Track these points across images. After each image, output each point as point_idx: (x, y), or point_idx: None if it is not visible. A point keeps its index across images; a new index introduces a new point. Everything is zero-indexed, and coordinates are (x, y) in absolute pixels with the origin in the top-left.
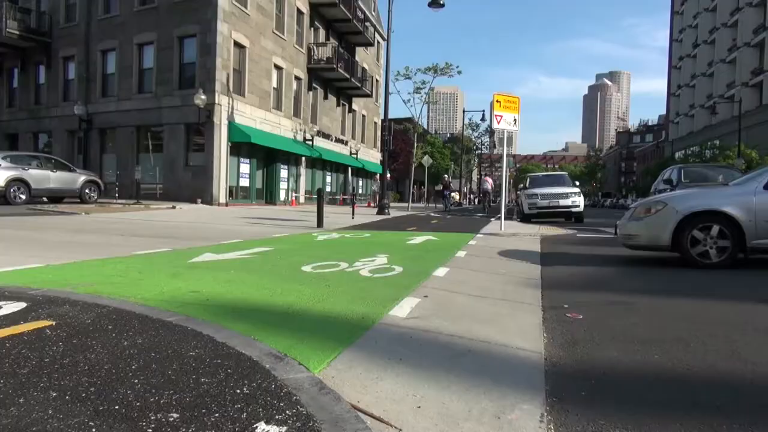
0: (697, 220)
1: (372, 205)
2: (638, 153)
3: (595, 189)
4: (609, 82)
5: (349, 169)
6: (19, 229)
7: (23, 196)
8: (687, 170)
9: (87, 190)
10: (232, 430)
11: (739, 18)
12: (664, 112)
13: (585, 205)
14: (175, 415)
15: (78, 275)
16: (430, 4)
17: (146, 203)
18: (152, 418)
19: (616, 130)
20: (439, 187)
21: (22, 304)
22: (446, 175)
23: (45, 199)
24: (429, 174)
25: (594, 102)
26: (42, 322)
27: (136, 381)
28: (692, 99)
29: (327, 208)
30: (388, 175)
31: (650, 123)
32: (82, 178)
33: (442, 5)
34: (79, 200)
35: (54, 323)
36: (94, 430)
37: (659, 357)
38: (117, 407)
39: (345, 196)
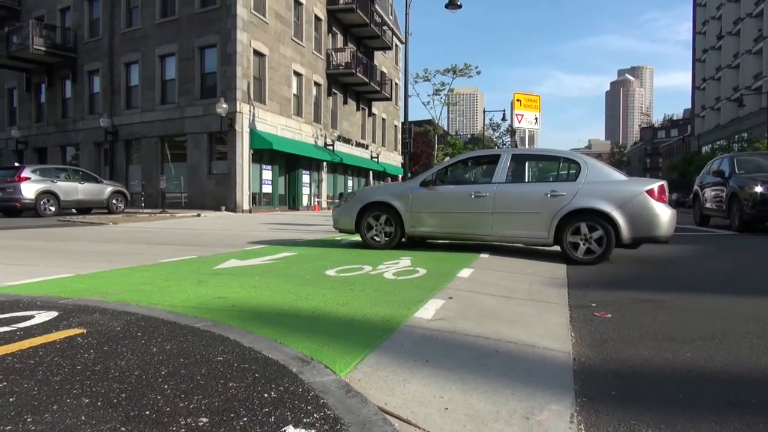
0: (372, 209)
1: None
2: (663, 148)
3: None
4: (631, 78)
5: (371, 172)
6: (49, 241)
7: (53, 208)
8: (741, 159)
9: (114, 201)
10: None
11: (765, 7)
12: (688, 106)
13: None
14: (205, 420)
15: (107, 284)
16: (447, 6)
17: (171, 212)
18: (182, 422)
19: (639, 125)
20: None
21: (54, 313)
22: None
23: (74, 210)
24: None
25: (616, 98)
26: (73, 330)
27: (166, 386)
28: (718, 92)
29: None
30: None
31: (675, 117)
32: (109, 189)
33: (460, 6)
34: (106, 211)
35: (85, 331)
36: None
37: (691, 355)
38: (148, 412)
39: None
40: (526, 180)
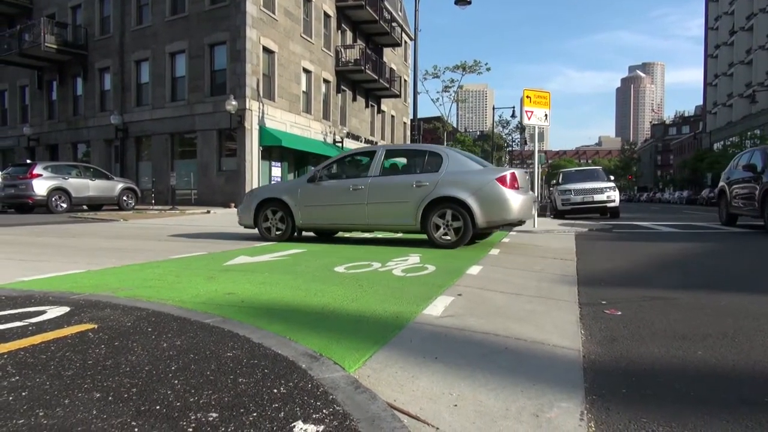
0: (268, 204)
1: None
2: (674, 145)
3: (630, 183)
4: (642, 74)
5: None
6: (60, 237)
7: (64, 205)
8: None
9: (125, 198)
10: (271, 430)
11: None
12: (700, 102)
13: (620, 200)
14: (215, 415)
15: (117, 280)
16: (456, 2)
17: (181, 209)
18: (192, 417)
19: (650, 122)
20: None
21: (65, 309)
22: None
23: (85, 206)
24: None
25: (627, 95)
26: (84, 325)
27: (176, 381)
28: (730, 88)
29: None
30: None
31: (686, 114)
32: (119, 186)
33: (469, 2)
34: (117, 207)
35: (96, 326)
36: (136, 429)
37: (702, 353)
38: (158, 407)
39: None
40: (397, 173)
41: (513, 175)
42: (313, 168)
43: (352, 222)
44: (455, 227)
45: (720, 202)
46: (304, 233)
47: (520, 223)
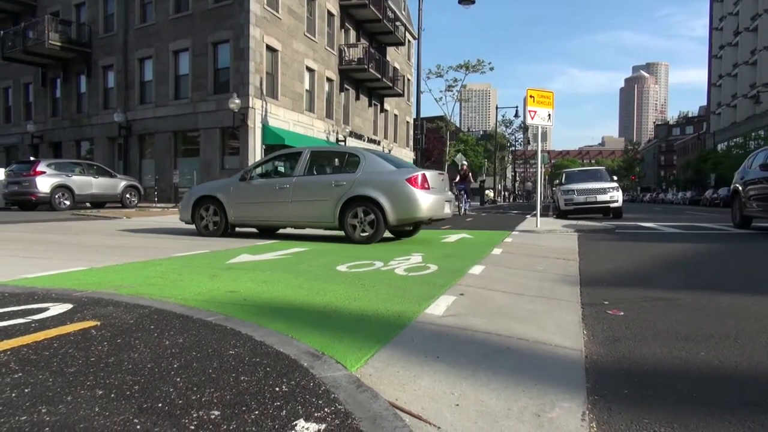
0: (204, 202)
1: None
2: (678, 146)
3: (633, 183)
4: (646, 74)
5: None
6: (63, 234)
7: (67, 202)
8: None
9: (128, 195)
10: (272, 428)
11: None
12: (704, 103)
13: (623, 200)
14: (217, 413)
15: (120, 277)
16: (460, 1)
17: None
18: (194, 415)
19: (654, 122)
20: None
21: (68, 306)
22: (464, 162)
23: (88, 204)
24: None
25: (631, 95)
26: (87, 322)
27: (178, 379)
28: (734, 89)
29: None
30: None
31: (690, 115)
32: (122, 184)
33: (473, 2)
34: (120, 205)
35: (99, 323)
36: (138, 427)
37: (705, 354)
38: (160, 405)
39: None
40: (321, 173)
41: (423, 176)
42: (247, 167)
43: (279, 219)
44: (369, 224)
45: (733, 204)
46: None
47: (430, 221)
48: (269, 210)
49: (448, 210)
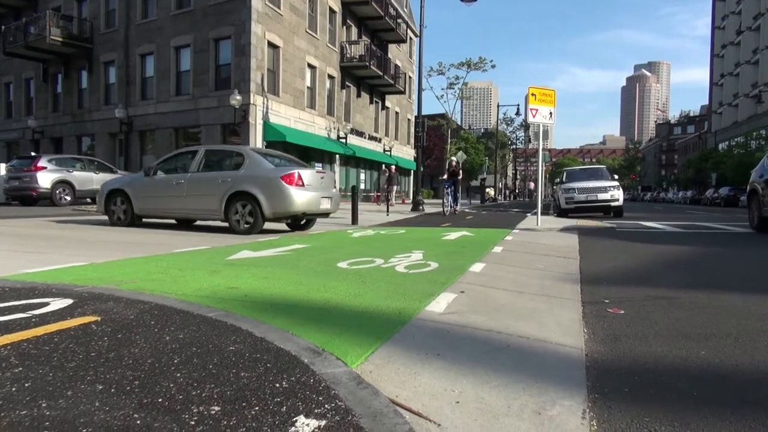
0: (116, 194)
1: (378, 201)
2: (679, 145)
3: (634, 182)
4: (648, 73)
5: (383, 166)
6: (64, 229)
7: (68, 198)
8: None
9: None
10: (272, 424)
11: None
12: (706, 102)
13: (624, 199)
14: (217, 408)
15: (121, 273)
16: None
17: None
18: (194, 410)
19: (655, 121)
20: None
21: (69, 301)
22: (454, 158)
23: (89, 200)
24: (463, 170)
25: (632, 94)
26: (88, 317)
27: (179, 375)
28: (736, 88)
29: (361, 206)
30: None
31: (692, 114)
32: None
33: None
34: None
35: (99, 319)
36: (138, 422)
37: (706, 353)
38: (160, 400)
39: (379, 193)
40: (212, 170)
41: (298, 174)
42: (152, 163)
43: (175, 211)
44: (249, 216)
45: (750, 204)
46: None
47: (305, 215)
48: (168, 203)
49: (326, 206)
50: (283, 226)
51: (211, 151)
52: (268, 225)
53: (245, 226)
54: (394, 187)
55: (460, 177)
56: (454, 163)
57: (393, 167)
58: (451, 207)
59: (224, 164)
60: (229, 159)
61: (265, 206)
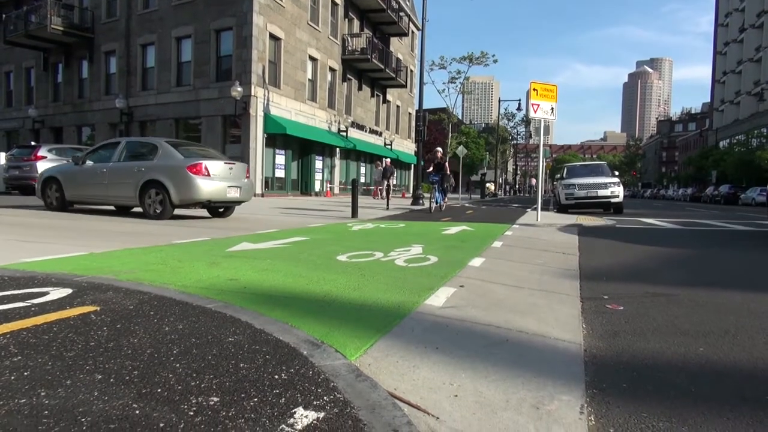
0: (50, 182)
1: (377, 195)
2: (680, 142)
3: (634, 179)
4: (650, 70)
5: (379, 160)
6: (64, 219)
7: None
8: None
9: None
10: (271, 415)
11: None
12: (707, 99)
13: (624, 196)
14: (216, 399)
15: (120, 263)
16: None
17: None
18: (193, 401)
19: (657, 118)
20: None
21: (68, 290)
22: (439, 149)
23: None
24: (463, 164)
25: (634, 90)
26: (87, 307)
27: (178, 365)
28: (738, 86)
29: (361, 199)
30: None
31: (693, 111)
32: None
33: None
34: None
35: (98, 309)
36: (137, 412)
37: (704, 350)
38: (159, 390)
39: (380, 187)
40: (131, 160)
41: (203, 165)
42: (82, 152)
43: (99, 197)
44: (159, 203)
45: None
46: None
47: (210, 203)
48: (93, 190)
49: (233, 195)
50: (206, 213)
51: (131, 142)
52: (191, 212)
53: (156, 211)
54: (388, 181)
55: (448, 171)
56: (440, 155)
57: (387, 160)
58: (437, 203)
59: (141, 155)
60: (146, 150)
61: (173, 194)
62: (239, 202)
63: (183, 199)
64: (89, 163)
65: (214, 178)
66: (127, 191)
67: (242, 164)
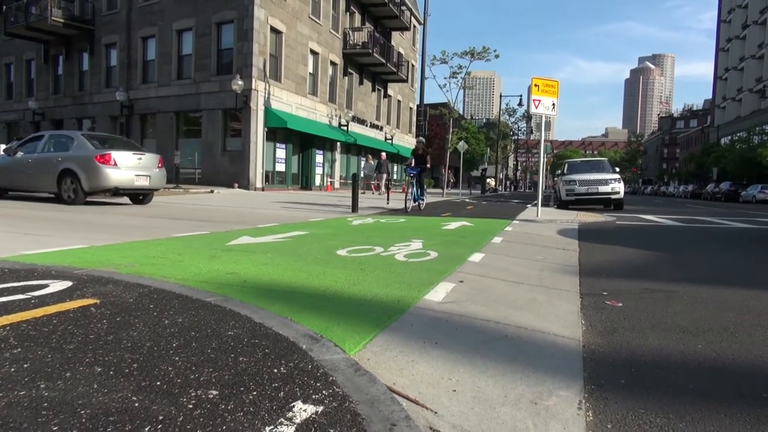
0: None
1: (377, 189)
2: (681, 139)
3: (635, 176)
4: (652, 66)
5: (384, 154)
6: (63, 212)
7: None
8: None
9: None
10: (270, 409)
11: None
12: (709, 96)
13: (625, 192)
14: (215, 392)
15: (120, 256)
16: None
17: (185, 187)
18: (192, 394)
19: (658, 115)
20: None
21: (68, 283)
22: (421, 138)
23: None
24: (464, 160)
25: (636, 86)
26: (87, 300)
27: (177, 358)
28: (740, 82)
29: (362, 195)
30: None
31: (695, 108)
32: None
33: None
34: None
35: (98, 301)
36: (137, 404)
37: (703, 347)
38: (159, 383)
39: (379, 182)
40: (52, 151)
41: (110, 155)
42: (14, 143)
43: (27, 185)
44: (73, 191)
45: None
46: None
47: (117, 190)
48: (20, 178)
49: (142, 183)
50: (126, 199)
51: (52, 135)
52: (116, 199)
53: (70, 197)
54: (384, 176)
55: (428, 165)
56: (421, 147)
57: (383, 155)
58: (415, 201)
59: (61, 146)
60: (65, 141)
61: (84, 182)
62: (149, 190)
63: (92, 186)
64: (20, 154)
65: (122, 167)
66: (47, 180)
67: (153, 155)
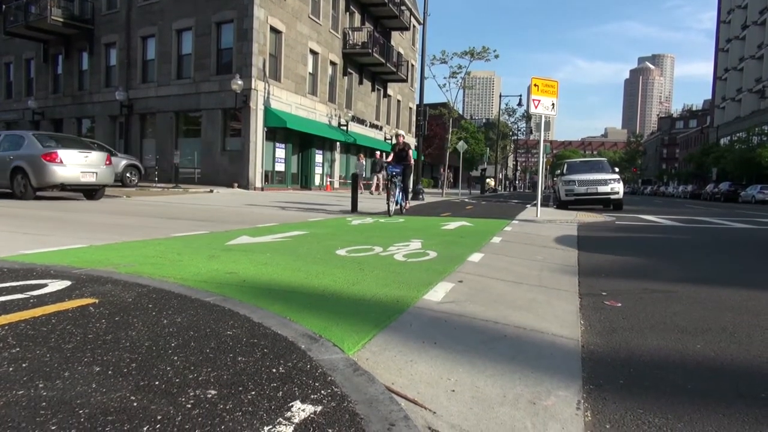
0: None
1: (377, 189)
2: (681, 139)
3: (635, 176)
4: (651, 66)
5: (384, 154)
6: (63, 212)
7: None
8: None
9: (128, 174)
10: (269, 408)
11: None
12: (709, 96)
13: (624, 192)
14: (213, 392)
15: (119, 256)
16: None
17: (185, 187)
18: (191, 394)
19: (658, 115)
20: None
21: (67, 283)
22: (401, 131)
23: None
24: (463, 160)
25: (635, 86)
26: (86, 299)
27: (176, 358)
28: (740, 83)
29: (360, 193)
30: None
31: (694, 108)
32: (123, 163)
33: None
34: (120, 184)
35: (97, 301)
36: (135, 404)
37: (701, 347)
38: (157, 383)
39: (378, 182)
40: (6, 150)
41: (56, 153)
42: None
43: None
44: (23, 186)
45: None
46: None
47: (63, 186)
48: None
49: (88, 179)
50: (77, 195)
51: (8, 135)
52: (70, 194)
53: (21, 193)
54: (381, 175)
55: (411, 162)
56: (401, 141)
57: (378, 153)
58: (398, 202)
59: (13, 145)
60: (18, 141)
61: (32, 178)
62: (96, 185)
63: (40, 182)
64: None
65: (68, 165)
66: (3, 176)
67: (100, 153)
